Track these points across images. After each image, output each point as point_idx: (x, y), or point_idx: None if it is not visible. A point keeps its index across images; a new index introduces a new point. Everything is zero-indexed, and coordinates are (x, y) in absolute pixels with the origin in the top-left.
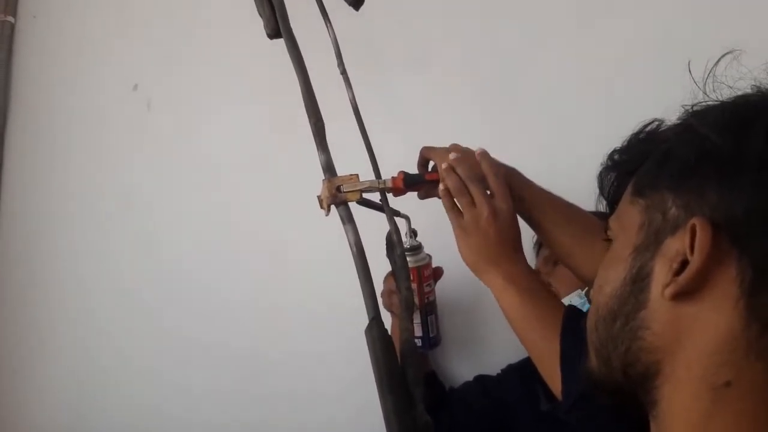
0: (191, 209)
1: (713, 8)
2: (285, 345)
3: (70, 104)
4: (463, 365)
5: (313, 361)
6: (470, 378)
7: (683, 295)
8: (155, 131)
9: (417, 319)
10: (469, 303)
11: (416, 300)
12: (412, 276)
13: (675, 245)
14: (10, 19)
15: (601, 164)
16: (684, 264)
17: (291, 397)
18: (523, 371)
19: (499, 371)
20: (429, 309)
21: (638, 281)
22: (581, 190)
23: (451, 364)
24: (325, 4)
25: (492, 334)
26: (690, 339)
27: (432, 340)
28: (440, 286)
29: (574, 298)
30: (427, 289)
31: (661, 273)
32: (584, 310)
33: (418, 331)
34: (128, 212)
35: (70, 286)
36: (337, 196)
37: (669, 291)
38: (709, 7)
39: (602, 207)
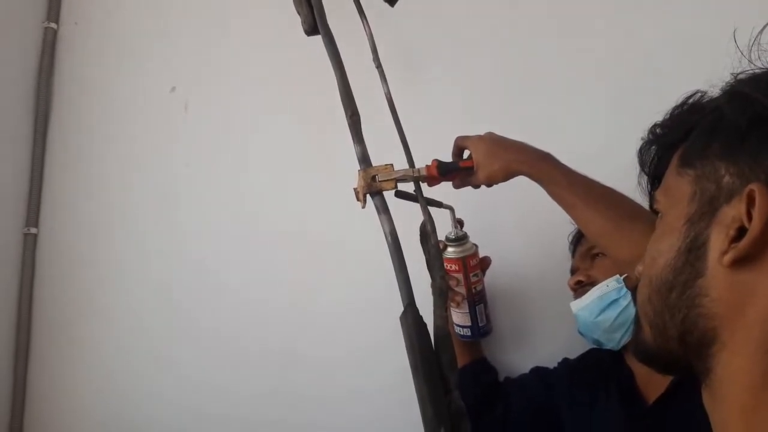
0: (227, 209)
1: None
2: (319, 343)
3: (110, 107)
4: (517, 356)
5: (348, 359)
6: (524, 369)
7: (742, 261)
8: (192, 132)
9: (465, 308)
10: (522, 293)
11: (463, 290)
12: (457, 266)
13: (731, 212)
14: (53, 25)
15: (642, 138)
16: (741, 231)
17: (324, 395)
18: (574, 373)
19: (556, 364)
20: (477, 298)
21: (694, 250)
22: (604, 180)
23: (505, 354)
24: (361, 2)
25: (546, 325)
26: (749, 304)
27: (482, 329)
28: (493, 276)
29: (611, 282)
30: (474, 279)
31: (717, 240)
32: (621, 294)
33: (466, 321)
34: (165, 211)
35: (108, 282)
36: (373, 185)
37: (728, 258)
38: None
39: (643, 183)
